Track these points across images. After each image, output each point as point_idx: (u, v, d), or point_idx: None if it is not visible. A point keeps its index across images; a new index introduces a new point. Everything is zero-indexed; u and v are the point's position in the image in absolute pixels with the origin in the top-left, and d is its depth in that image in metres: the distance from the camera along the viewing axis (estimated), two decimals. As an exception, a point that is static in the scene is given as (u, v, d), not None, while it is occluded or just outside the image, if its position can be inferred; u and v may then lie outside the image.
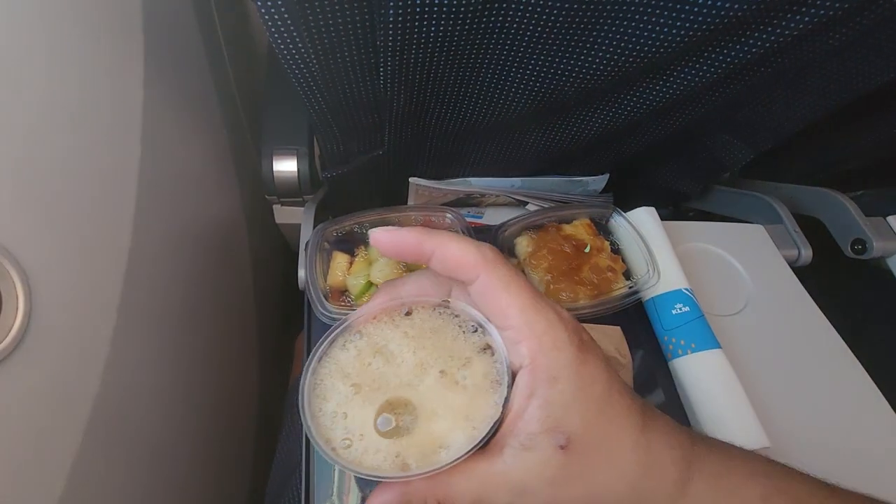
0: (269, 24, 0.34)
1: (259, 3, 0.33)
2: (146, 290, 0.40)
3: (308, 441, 0.37)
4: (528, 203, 0.64)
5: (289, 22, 0.34)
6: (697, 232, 0.55)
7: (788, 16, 0.35)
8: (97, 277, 0.34)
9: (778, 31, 0.36)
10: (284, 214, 0.68)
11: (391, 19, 0.33)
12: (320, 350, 0.29)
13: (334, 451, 0.26)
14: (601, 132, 0.49)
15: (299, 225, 0.58)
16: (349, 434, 0.27)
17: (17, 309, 0.28)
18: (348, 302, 0.43)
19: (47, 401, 0.30)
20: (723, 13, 0.33)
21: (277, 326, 0.77)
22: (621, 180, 0.65)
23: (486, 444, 0.25)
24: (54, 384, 0.30)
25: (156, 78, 0.42)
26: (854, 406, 0.44)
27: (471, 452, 0.25)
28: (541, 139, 0.52)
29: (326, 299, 0.42)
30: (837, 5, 0.33)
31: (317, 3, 0.33)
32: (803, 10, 0.34)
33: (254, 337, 0.67)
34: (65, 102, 0.33)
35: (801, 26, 0.35)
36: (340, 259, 0.45)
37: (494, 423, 0.25)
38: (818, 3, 0.34)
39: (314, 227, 0.48)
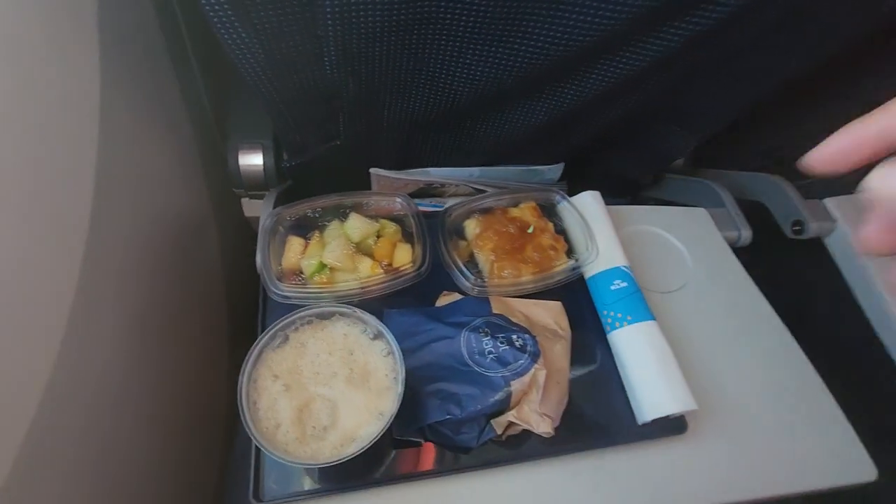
0: (213, 17, 0.36)
1: (210, 16, 0.35)
2: (104, 279, 0.41)
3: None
4: (486, 192, 0.66)
5: (231, 14, 0.36)
6: (643, 215, 0.57)
7: (704, 8, 0.38)
8: (50, 265, 0.36)
9: (696, 20, 0.38)
10: (253, 207, 0.70)
11: (328, 10, 0.36)
12: (254, 353, 0.34)
13: (269, 442, 0.31)
14: (547, 120, 0.52)
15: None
16: (279, 424, 0.32)
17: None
18: (301, 281, 0.45)
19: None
20: (637, 5, 0.36)
21: (247, 315, 0.78)
22: (579, 170, 0.68)
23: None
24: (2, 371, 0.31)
25: (113, 72, 0.43)
26: (782, 375, 0.47)
27: (374, 441, 0.30)
28: (491, 128, 0.54)
29: (280, 280, 0.44)
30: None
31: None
32: (712, 5, 0.37)
33: (223, 325, 0.68)
34: (14, 95, 0.34)
35: (715, 16, 0.38)
36: (295, 242, 0.47)
37: (393, 416, 0.31)
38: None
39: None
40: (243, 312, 0.76)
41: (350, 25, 0.37)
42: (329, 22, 0.37)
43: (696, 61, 0.45)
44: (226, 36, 0.38)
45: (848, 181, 0.79)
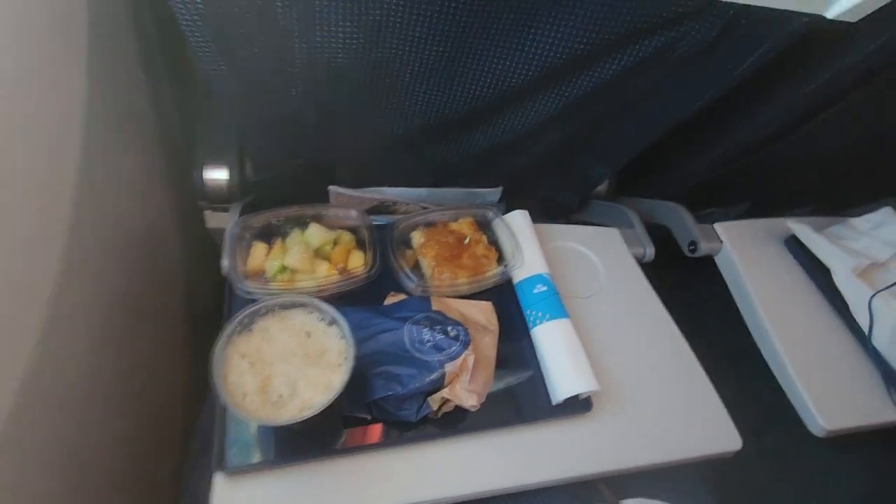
0: (199, 52, 0.42)
1: (191, 41, 0.41)
2: (79, 285, 0.45)
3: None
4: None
5: (214, 50, 0.42)
6: (565, 233, 0.67)
7: (607, 61, 0.48)
8: (31, 270, 0.40)
9: (597, 72, 0.48)
10: (215, 219, 0.74)
11: (297, 52, 0.43)
12: (224, 335, 0.40)
13: (237, 406, 0.37)
14: (485, 148, 0.61)
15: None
16: (245, 393, 0.38)
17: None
18: (264, 281, 0.51)
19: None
20: (554, 55, 0.45)
21: (207, 322, 0.81)
22: (517, 194, 0.77)
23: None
24: None
25: (98, 93, 0.48)
26: (671, 366, 0.57)
27: (325, 406, 0.37)
28: (438, 153, 0.63)
29: (245, 279, 0.50)
30: (642, 52, 0.46)
31: (239, 41, 0.42)
32: (615, 57, 0.47)
33: (182, 327, 0.71)
34: (10, 110, 0.39)
35: (618, 67, 0.48)
36: (260, 247, 0.53)
37: (344, 384, 0.38)
38: (626, 53, 0.46)
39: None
40: (202, 316, 0.79)
41: (316, 66, 0.45)
42: (298, 61, 0.44)
43: (610, 101, 0.55)
44: (208, 67, 0.44)
45: (738, 212, 0.93)
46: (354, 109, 0.52)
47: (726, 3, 0.40)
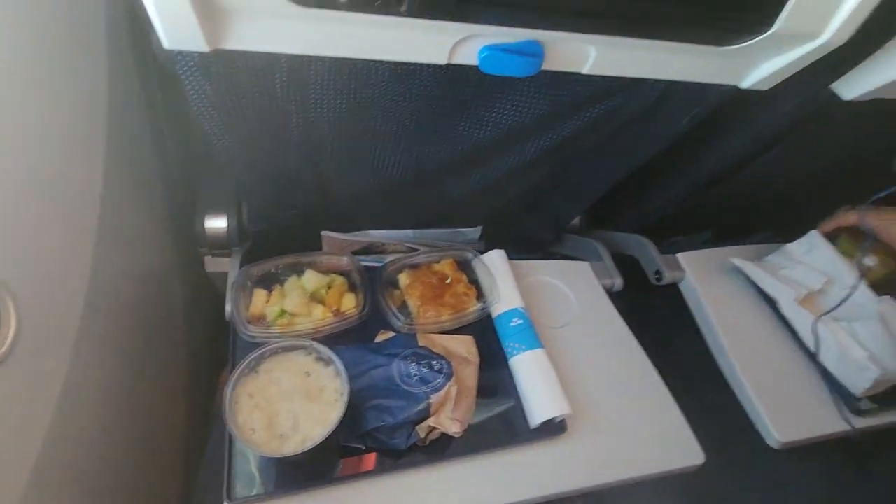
0: (206, 125, 0.48)
1: (198, 116, 0.47)
2: (97, 327, 0.50)
3: (230, 439, 0.50)
4: (418, 250, 0.80)
5: (221, 125, 0.49)
6: (540, 268, 0.73)
7: (562, 123, 0.54)
8: (62, 314, 0.45)
9: (555, 132, 0.55)
10: (214, 264, 0.80)
11: (294, 122, 0.49)
12: (234, 377, 0.45)
13: (247, 441, 0.42)
14: (461, 194, 0.67)
15: (227, 273, 0.70)
16: (254, 429, 0.43)
17: (9, 325, 0.39)
18: (266, 325, 0.56)
19: (21, 404, 0.40)
20: (511, 123, 0.52)
21: (206, 363, 0.86)
22: (496, 232, 0.84)
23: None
24: (30, 390, 0.40)
25: (114, 154, 0.54)
26: (639, 388, 0.63)
27: (325, 438, 0.42)
28: (418, 200, 0.69)
29: (248, 324, 0.55)
30: (593, 115, 0.53)
31: (242, 117, 0.48)
32: (569, 120, 0.54)
33: (183, 366, 0.76)
34: (36, 176, 0.44)
35: (573, 127, 0.55)
36: (260, 294, 0.58)
37: (340, 419, 0.43)
38: (578, 116, 0.53)
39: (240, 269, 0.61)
40: (201, 356, 0.84)
41: (311, 133, 0.51)
42: (296, 132, 0.50)
43: (570, 153, 0.62)
44: (212, 135, 0.50)
45: (701, 239, 1.00)
46: (345, 168, 0.58)
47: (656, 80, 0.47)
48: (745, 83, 0.48)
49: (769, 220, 0.98)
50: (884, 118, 0.53)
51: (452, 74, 0.44)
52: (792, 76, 0.47)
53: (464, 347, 0.58)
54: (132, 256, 0.62)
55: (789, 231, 0.84)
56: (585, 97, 0.50)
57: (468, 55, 0.40)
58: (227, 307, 0.59)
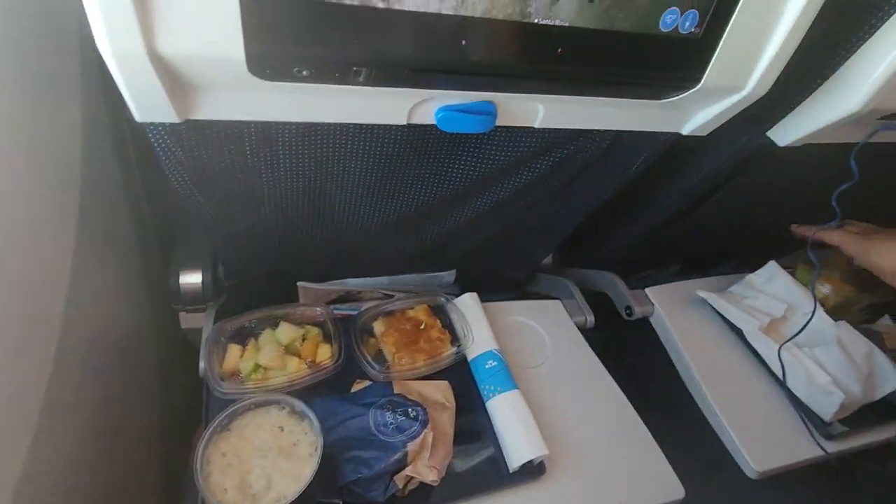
0: (179, 188, 0.50)
1: (170, 178, 0.49)
2: (67, 388, 0.49)
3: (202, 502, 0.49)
4: (394, 296, 0.81)
5: (193, 188, 0.50)
6: (513, 308, 0.75)
7: (521, 171, 0.58)
8: (27, 379, 0.45)
9: (514, 179, 0.58)
10: (189, 320, 0.79)
11: (265, 182, 0.51)
12: (206, 437, 0.45)
13: (218, 502, 0.41)
14: (431, 240, 0.69)
15: (201, 329, 0.70)
16: (226, 489, 0.43)
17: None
18: (240, 381, 0.56)
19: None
20: (473, 177, 0.55)
21: (182, 422, 0.83)
22: (471, 274, 0.86)
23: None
24: None
25: (88, 215, 0.54)
26: (615, 425, 0.63)
27: (298, 495, 0.42)
28: (391, 248, 0.71)
29: (222, 380, 0.55)
30: (550, 162, 0.56)
31: (213, 179, 0.50)
32: (527, 168, 0.57)
33: (156, 431, 0.74)
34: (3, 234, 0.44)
35: (532, 174, 0.58)
36: (234, 349, 0.58)
37: (313, 474, 0.43)
38: (536, 164, 0.56)
39: (214, 325, 0.61)
40: (178, 415, 0.82)
41: (282, 190, 0.53)
42: (266, 189, 0.52)
43: (532, 197, 0.65)
44: (186, 200, 0.52)
45: (671, 272, 1.04)
46: (317, 222, 0.60)
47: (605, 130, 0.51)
48: (685, 130, 0.52)
49: (734, 251, 1.02)
50: (817, 160, 0.58)
51: (413, 132, 0.47)
52: (729, 123, 0.51)
53: (440, 393, 0.58)
54: (104, 317, 0.61)
55: (755, 260, 0.88)
56: (541, 147, 0.53)
57: (426, 115, 0.43)
58: (201, 364, 0.59)
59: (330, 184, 0.54)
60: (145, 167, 0.71)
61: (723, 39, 0.40)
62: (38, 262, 0.48)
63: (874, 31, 0.45)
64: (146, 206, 0.78)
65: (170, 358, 0.81)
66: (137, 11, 0.29)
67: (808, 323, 0.66)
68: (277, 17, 0.31)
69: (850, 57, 0.47)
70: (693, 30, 0.39)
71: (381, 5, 0.32)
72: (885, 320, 0.80)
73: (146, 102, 0.35)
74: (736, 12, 0.39)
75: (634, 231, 0.86)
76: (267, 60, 0.33)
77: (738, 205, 0.78)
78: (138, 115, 0.36)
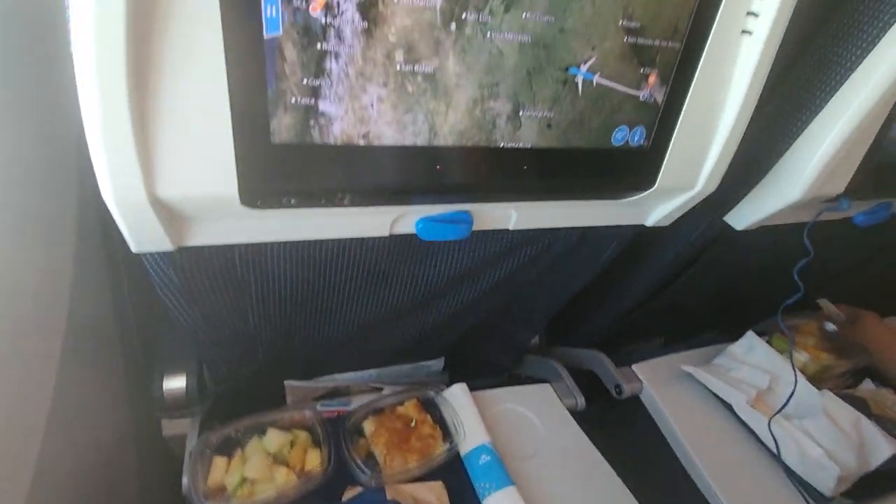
0: (166, 299, 0.51)
1: (160, 292, 0.50)
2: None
3: None
4: (383, 388, 0.81)
5: (181, 298, 0.51)
6: (503, 396, 0.75)
7: (497, 266, 0.60)
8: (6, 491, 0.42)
9: (492, 273, 0.61)
10: (172, 426, 0.77)
11: (252, 291, 0.53)
12: None
13: None
14: (418, 330, 0.70)
15: (185, 436, 0.68)
16: None
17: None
18: (226, 499, 0.54)
19: None
20: (448, 277, 0.58)
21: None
22: (459, 360, 0.86)
23: None
24: None
25: (75, 316, 0.54)
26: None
27: None
28: (378, 341, 0.71)
29: (205, 498, 0.52)
30: (524, 257, 0.59)
31: (204, 293, 0.51)
32: (504, 263, 0.60)
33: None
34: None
35: (508, 268, 0.61)
36: (219, 462, 0.57)
37: None
38: (511, 259, 0.59)
39: (199, 437, 0.59)
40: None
41: (270, 299, 0.55)
42: (254, 297, 0.54)
43: (511, 287, 0.67)
44: (175, 311, 0.53)
45: (655, 345, 1.06)
46: (304, 325, 0.61)
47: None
48: (649, 222, 0.56)
49: (713, 321, 1.05)
50: (773, 239, 0.62)
51: (396, 239, 0.49)
52: (688, 214, 0.55)
53: (434, 495, 0.56)
54: (85, 426, 0.59)
55: (733, 328, 0.90)
56: (517, 243, 0.56)
57: (407, 226, 0.46)
58: (184, 480, 0.56)
59: (317, 291, 0.56)
60: (133, 268, 0.72)
61: (669, 149, 0.45)
62: (23, 370, 0.47)
63: (807, 126, 0.51)
64: (132, 308, 0.78)
65: (149, 470, 0.78)
66: (141, 161, 0.32)
67: (792, 394, 0.67)
68: (269, 161, 0.34)
69: (786, 151, 0.53)
70: (642, 143, 0.44)
71: (361, 143, 0.36)
72: (868, 384, 0.81)
73: (143, 237, 0.37)
74: (678, 126, 0.44)
75: (613, 311, 0.88)
76: (259, 195, 0.36)
77: (709, 281, 0.81)
78: (135, 247, 0.39)
